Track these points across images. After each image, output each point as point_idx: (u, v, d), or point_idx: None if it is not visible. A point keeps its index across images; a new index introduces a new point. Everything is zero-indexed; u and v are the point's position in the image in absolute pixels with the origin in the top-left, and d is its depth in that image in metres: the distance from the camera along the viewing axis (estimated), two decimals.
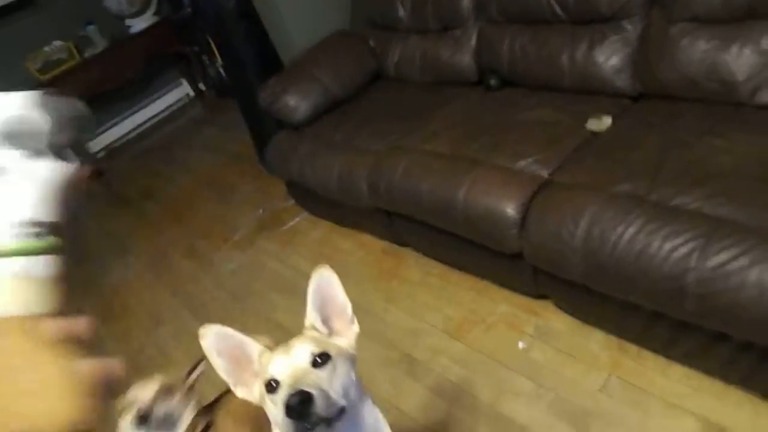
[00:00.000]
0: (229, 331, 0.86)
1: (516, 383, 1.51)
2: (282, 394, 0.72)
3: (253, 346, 0.86)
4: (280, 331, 2.04)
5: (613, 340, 1.52)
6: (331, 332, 0.87)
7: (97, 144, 4.91)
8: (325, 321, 0.87)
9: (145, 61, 4.49)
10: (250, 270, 2.47)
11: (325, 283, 0.86)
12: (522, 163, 1.54)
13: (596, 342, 1.54)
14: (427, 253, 2.01)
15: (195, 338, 2.21)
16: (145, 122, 5.11)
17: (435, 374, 1.62)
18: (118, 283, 2.89)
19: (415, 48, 2.35)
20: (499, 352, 1.61)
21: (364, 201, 1.92)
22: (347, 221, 2.37)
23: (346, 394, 0.77)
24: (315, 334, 0.85)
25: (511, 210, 1.44)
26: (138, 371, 2.24)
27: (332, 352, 0.80)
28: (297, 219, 2.63)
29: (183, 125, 4.77)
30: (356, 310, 2.00)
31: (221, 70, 4.54)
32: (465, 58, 2.19)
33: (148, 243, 3.12)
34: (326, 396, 0.72)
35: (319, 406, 0.70)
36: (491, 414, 1.46)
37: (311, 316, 0.87)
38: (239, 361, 0.85)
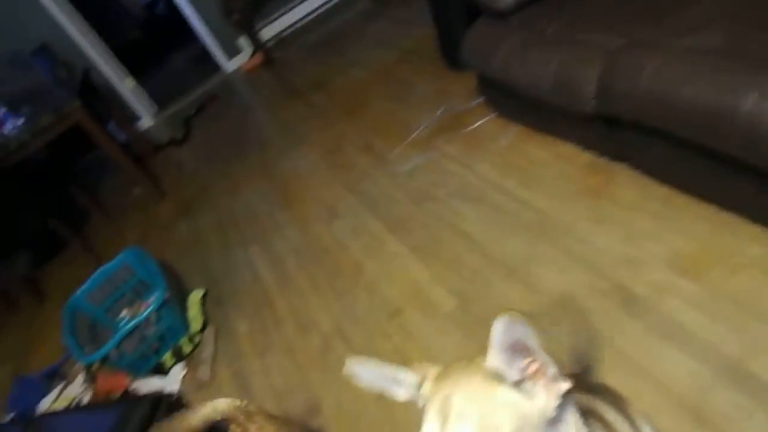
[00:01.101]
0: (374, 364, 0.71)
1: None
2: None
3: (406, 376, 0.70)
4: (468, 241, 1.91)
5: None
6: (523, 378, 0.63)
7: (267, 33, 4.99)
8: (515, 364, 0.63)
9: None
10: (430, 173, 2.33)
11: (515, 334, 0.61)
12: None
13: None
14: (651, 173, 1.70)
15: (373, 236, 2.17)
16: (312, 12, 5.06)
17: (660, 315, 1.39)
18: (293, 171, 2.96)
19: None
20: (752, 302, 1.32)
21: (586, 105, 1.63)
22: (546, 127, 2.10)
23: None
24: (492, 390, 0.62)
25: None
26: (316, 261, 2.30)
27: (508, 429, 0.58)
28: (482, 121, 2.40)
29: (350, 18, 4.61)
30: (555, 229, 1.79)
31: None
32: None
33: (321, 135, 3.13)
34: None
35: None
36: (741, 374, 1.21)
37: (494, 362, 0.63)
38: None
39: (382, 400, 1.60)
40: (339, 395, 1.69)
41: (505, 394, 0.61)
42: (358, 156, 2.72)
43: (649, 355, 1.32)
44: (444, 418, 0.61)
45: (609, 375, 1.32)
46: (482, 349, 1.56)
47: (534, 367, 0.62)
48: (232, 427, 1.21)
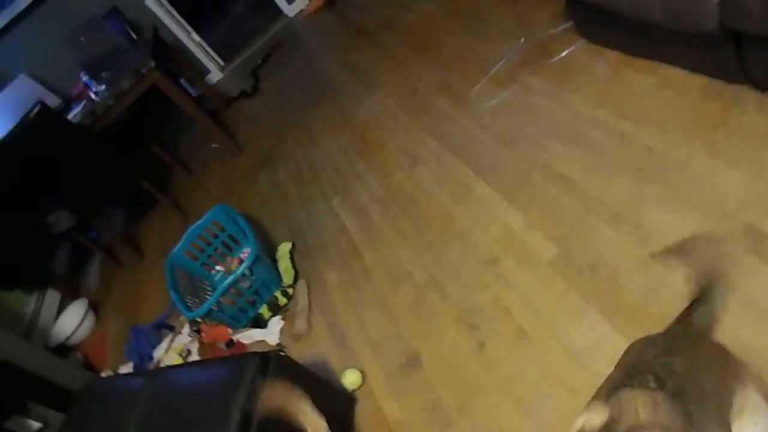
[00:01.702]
0: None
1: None
2: None
3: None
4: (564, 183, 1.79)
5: None
6: None
7: None
8: None
9: None
10: (516, 110, 2.19)
11: None
12: None
13: None
14: None
15: (459, 181, 2.09)
16: None
17: None
18: (368, 117, 2.88)
19: None
20: None
21: (708, 22, 1.42)
22: (647, 51, 1.88)
23: None
24: None
25: None
26: (401, 210, 2.26)
27: None
28: (571, 48, 2.20)
29: None
30: (667, 166, 1.63)
31: None
32: None
33: (394, 77, 3.00)
34: None
35: None
36: None
37: None
38: None
39: (481, 351, 1.59)
40: (437, 347, 1.69)
41: None
42: (436, 96, 2.60)
43: None
44: None
45: (738, 328, 1.21)
46: (588, 299, 1.46)
47: None
48: None
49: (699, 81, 1.73)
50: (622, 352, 1.30)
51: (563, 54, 2.21)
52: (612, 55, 2.05)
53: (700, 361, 0.86)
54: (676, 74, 1.81)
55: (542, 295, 1.58)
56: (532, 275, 1.64)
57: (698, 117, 1.66)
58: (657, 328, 1.32)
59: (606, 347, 1.37)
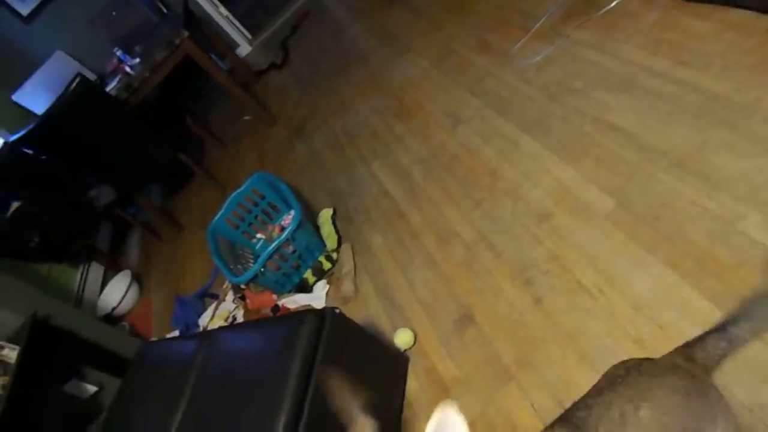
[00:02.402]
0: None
1: None
2: None
3: None
4: (617, 134, 1.73)
5: None
6: None
7: None
8: None
9: None
10: (562, 64, 2.11)
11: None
12: None
13: None
14: None
15: (504, 138, 2.03)
16: None
17: None
18: (404, 81, 2.83)
19: None
20: None
21: None
22: None
23: None
24: None
25: None
26: (445, 170, 2.22)
27: None
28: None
29: None
30: (731, 110, 1.55)
31: None
32: None
33: (427, 39, 2.94)
34: None
35: None
36: None
37: None
38: None
39: (538, 306, 1.56)
40: (491, 304, 1.66)
41: None
42: (474, 55, 2.52)
43: None
44: None
45: None
46: (651, 250, 1.40)
47: None
48: None
49: (765, 22, 1.64)
50: (690, 301, 1.26)
51: (612, 5, 2.11)
52: (664, 1, 1.95)
53: None
54: (739, 16, 1.71)
55: (601, 248, 1.53)
56: (588, 228, 1.59)
57: (764, 58, 1.57)
58: (729, 275, 1.28)
59: (673, 298, 1.33)
